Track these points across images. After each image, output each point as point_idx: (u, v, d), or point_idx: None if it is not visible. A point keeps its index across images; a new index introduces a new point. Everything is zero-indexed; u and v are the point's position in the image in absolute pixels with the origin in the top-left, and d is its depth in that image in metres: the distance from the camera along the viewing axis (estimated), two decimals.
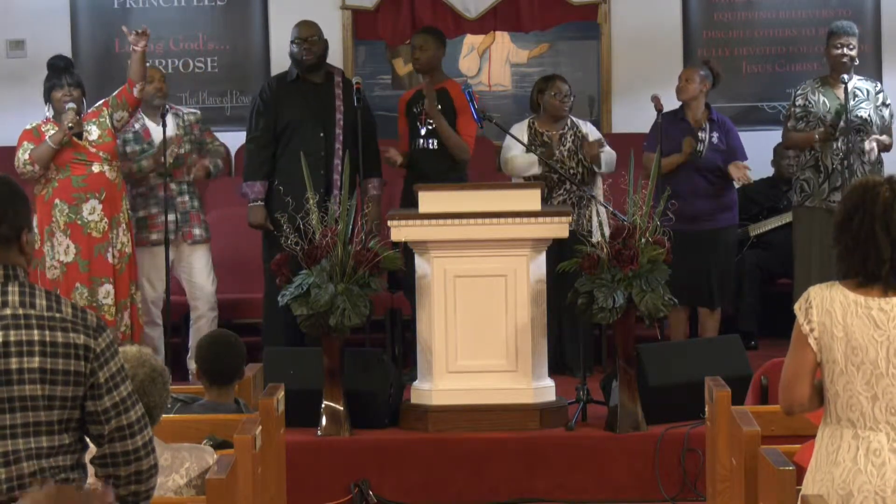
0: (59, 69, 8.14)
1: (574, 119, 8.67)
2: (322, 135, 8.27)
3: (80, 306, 3.43)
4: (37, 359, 3.32)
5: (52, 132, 7.94)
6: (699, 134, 8.55)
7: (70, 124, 7.85)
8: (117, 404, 3.39)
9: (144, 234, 8.31)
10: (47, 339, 3.34)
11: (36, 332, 3.34)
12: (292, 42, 8.38)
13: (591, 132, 8.61)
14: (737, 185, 8.66)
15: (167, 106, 8.31)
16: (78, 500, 2.83)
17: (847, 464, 3.86)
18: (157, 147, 8.25)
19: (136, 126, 8.32)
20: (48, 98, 8.11)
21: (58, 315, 3.36)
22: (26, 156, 7.94)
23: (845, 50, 8.54)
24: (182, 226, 8.35)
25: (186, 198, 8.38)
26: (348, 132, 8.26)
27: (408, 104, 8.44)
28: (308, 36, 8.33)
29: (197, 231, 8.40)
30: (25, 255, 3.46)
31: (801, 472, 4.50)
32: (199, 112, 8.66)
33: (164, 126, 8.17)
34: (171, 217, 8.29)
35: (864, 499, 3.82)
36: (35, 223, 7.90)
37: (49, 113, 8.10)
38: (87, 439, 3.49)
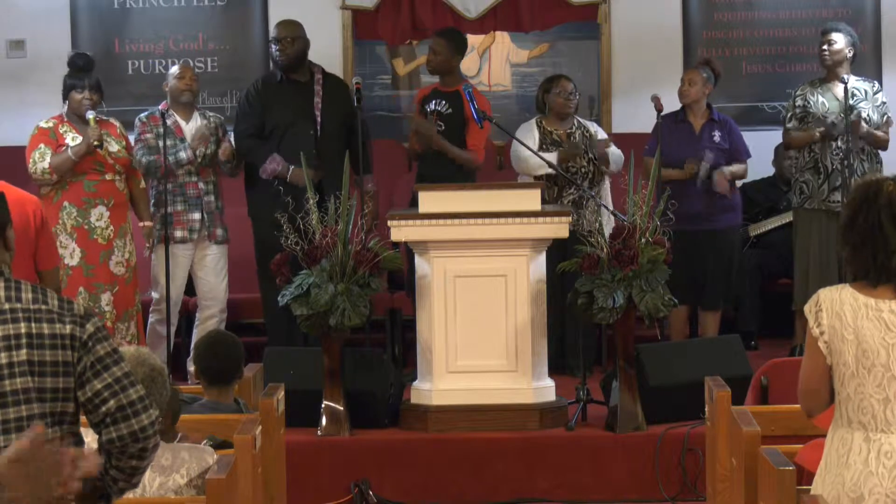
0: (79, 68, 8.08)
1: (580, 119, 8.70)
2: (312, 132, 8.28)
3: (66, 297, 3.43)
4: (24, 351, 3.32)
5: (69, 141, 7.87)
6: (706, 154, 8.52)
7: (96, 142, 7.82)
8: (111, 385, 3.36)
9: (168, 231, 8.28)
10: (34, 331, 3.33)
11: (23, 325, 3.33)
12: (272, 41, 8.39)
13: (598, 132, 8.63)
14: (716, 189, 8.61)
15: (169, 111, 8.34)
16: (50, 463, 2.85)
17: (858, 466, 3.85)
18: (189, 143, 8.27)
19: (168, 122, 8.31)
20: (66, 96, 8.06)
21: (44, 307, 3.36)
22: (46, 164, 7.86)
23: (825, 47, 8.61)
24: (208, 225, 8.35)
25: (212, 198, 8.38)
26: (332, 128, 8.25)
27: (422, 102, 8.45)
28: (283, 36, 8.34)
29: (220, 231, 8.41)
30: (9, 251, 3.47)
31: (801, 472, 4.50)
32: (221, 118, 8.67)
33: (164, 127, 8.19)
34: (196, 216, 8.31)
35: (876, 501, 3.81)
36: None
37: (64, 109, 8.06)
38: (83, 436, 3.48)
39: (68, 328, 3.36)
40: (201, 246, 8.38)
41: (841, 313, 3.87)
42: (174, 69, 8.54)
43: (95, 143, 7.82)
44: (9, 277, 3.40)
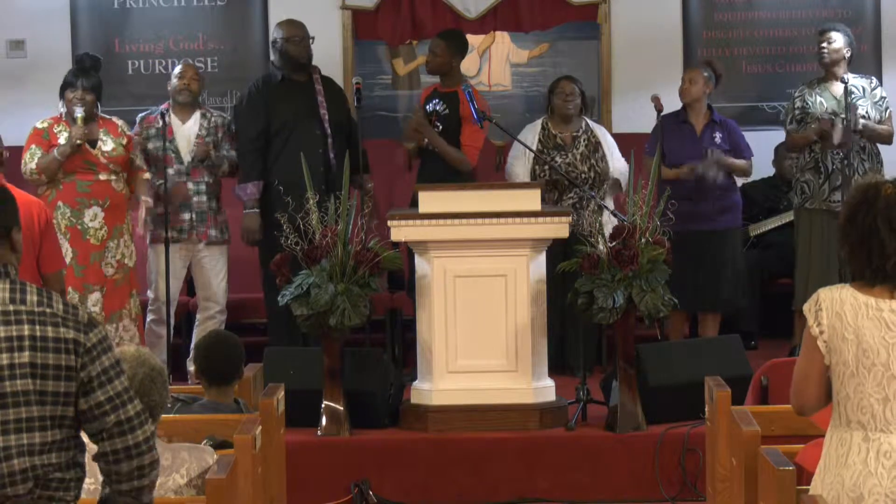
0: (83, 68, 8.08)
1: (590, 123, 8.68)
2: (318, 132, 8.29)
3: (71, 302, 3.43)
4: (27, 353, 3.32)
5: (62, 141, 7.87)
6: (709, 152, 8.51)
7: (78, 141, 7.82)
8: (112, 398, 3.38)
9: (160, 231, 8.28)
10: (37, 333, 3.34)
11: (26, 327, 3.34)
12: (285, 40, 8.35)
13: (605, 140, 8.59)
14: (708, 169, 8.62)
15: (169, 110, 8.33)
16: None
17: (857, 466, 3.85)
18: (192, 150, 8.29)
19: (160, 123, 8.32)
20: (62, 95, 8.06)
21: (48, 310, 3.37)
22: (33, 164, 7.87)
23: (824, 45, 8.62)
24: (197, 225, 8.35)
25: (204, 198, 8.37)
26: (336, 128, 8.28)
27: (424, 102, 8.45)
28: (302, 35, 8.35)
29: (212, 232, 8.39)
30: (16, 253, 3.47)
31: (801, 472, 4.50)
32: (227, 117, 8.65)
33: (165, 126, 8.19)
34: (186, 216, 8.31)
35: (875, 501, 3.81)
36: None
37: (62, 109, 8.06)
38: (84, 438, 3.48)
39: (72, 333, 3.36)
40: (197, 247, 8.38)
41: (841, 313, 3.88)
42: (177, 68, 8.55)
43: (78, 141, 7.81)
44: (14, 279, 3.41)
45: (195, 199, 8.36)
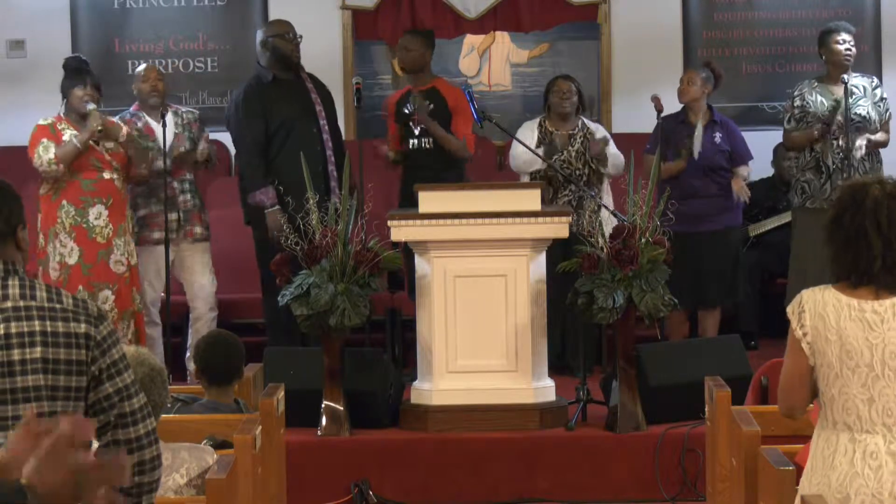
0: (75, 69, 8.08)
1: (586, 121, 8.69)
2: (315, 130, 8.27)
3: (80, 297, 3.44)
4: (38, 349, 3.33)
5: (66, 139, 7.87)
6: (696, 133, 8.53)
7: (99, 127, 7.83)
8: (120, 390, 3.39)
9: (146, 233, 8.29)
10: (48, 329, 3.34)
11: (37, 322, 3.34)
12: (277, 37, 8.27)
13: (601, 134, 8.61)
14: (737, 198, 8.66)
15: (166, 106, 8.32)
16: (94, 479, 2.53)
17: (844, 467, 3.85)
18: (169, 147, 8.25)
19: (139, 124, 8.31)
20: (66, 94, 8.05)
21: (58, 306, 3.37)
22: (51, 155, 7.88)
23: (848, 45, 8.55)
24: (184, 224, 8.34)
25: (188, 196, 8.37)
26: (331, 125, 8.29)
27: (397, 105, 8.45)
28: (294, 32, 8.32)
29: (198, 230, 8.38)
30: (21, 251, 3.48)
31: (801, 472, 4.51)
32: (196, 112, 8.65)
33: (164, 126, 8.18)
34: (172, 216, 8.27)
35: (862, 502, 3.82)
36: (39, 223, 7.92)
37: (62, 110, 8.06)
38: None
39: (83, 327, 3.37)
40: (181, 246, 8.36)
41: (824, 314, 3.88)
42: (140, 69, 8.54)
43: (99, 128, 7.82)
44: (23, 276, 3.41)
45: (181, 198, 8.34)
